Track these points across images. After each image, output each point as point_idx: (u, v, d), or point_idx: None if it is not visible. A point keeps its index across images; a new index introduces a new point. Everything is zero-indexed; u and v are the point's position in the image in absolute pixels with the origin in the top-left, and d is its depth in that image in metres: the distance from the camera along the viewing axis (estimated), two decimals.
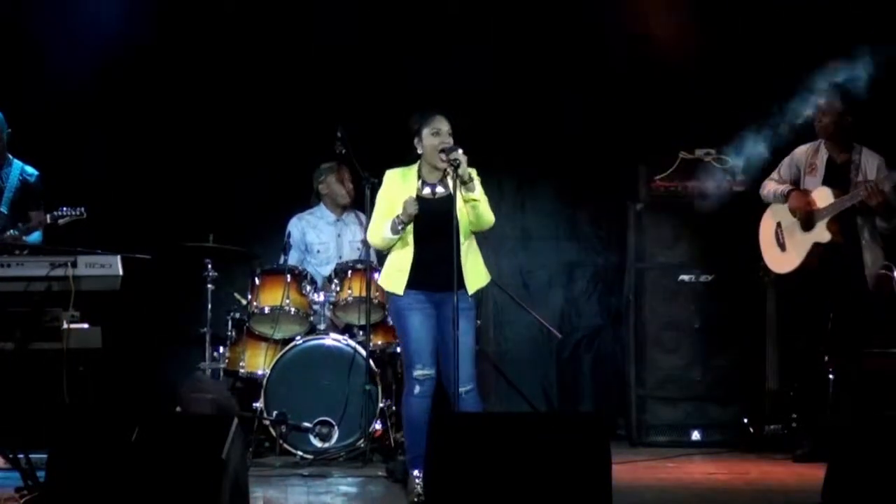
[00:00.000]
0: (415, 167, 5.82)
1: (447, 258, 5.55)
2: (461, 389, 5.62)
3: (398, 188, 5.79)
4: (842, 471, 4.60)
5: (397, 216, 5.67)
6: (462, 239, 5.67)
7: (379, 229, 5.78)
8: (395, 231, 5.69)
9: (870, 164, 6.92)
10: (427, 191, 5.78)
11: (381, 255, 7.36)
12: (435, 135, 5.71)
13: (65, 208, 7.06)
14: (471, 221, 5.70)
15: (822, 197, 6.94)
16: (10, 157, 7.15)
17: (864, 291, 6.93)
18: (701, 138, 7.87)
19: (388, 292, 5.95)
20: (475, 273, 5.80)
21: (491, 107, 8.05)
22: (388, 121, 8.05)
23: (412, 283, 5.75)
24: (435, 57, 8.21)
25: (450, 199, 5.63)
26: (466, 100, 7.74)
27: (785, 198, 7.04)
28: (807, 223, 6.97)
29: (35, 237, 7.09)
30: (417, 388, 5.70)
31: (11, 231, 7.00)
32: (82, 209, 7.08)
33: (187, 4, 8.30)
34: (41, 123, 7.51)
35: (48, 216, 7.04)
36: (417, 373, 5.70)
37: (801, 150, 7.13)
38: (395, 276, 5.81)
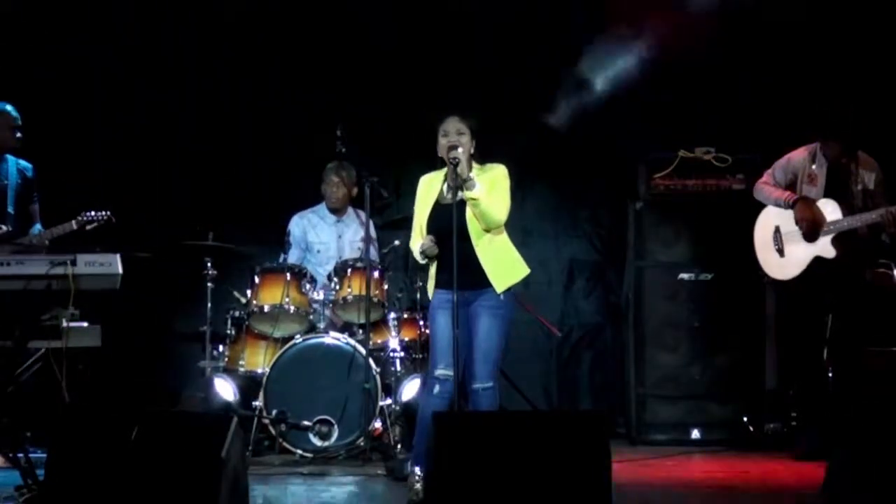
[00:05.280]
0: (443, 171, 5.83)
1: (464, 259, 5.55)
2: (479, 386, 5.67)
3: (424, 194, 5.84)
4: (841, 469, 4.61)
5: (421, 245, 5.71)
6: (475, 239, 5.68)
7: (414, 246, 5.85)
8: (421, 257, 5.77)
9: (867, 171, 6.90)
10: (450, 195, 5.73)
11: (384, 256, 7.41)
12: (444, 136, 5.74)
13: (91, 212, 6.97)
14: (478, 220, 5.69)
15: (829, 210, 6.91)
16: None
17: (863, 289, 6.92)
18: (701, 137, 7.88)
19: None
20: (501, 271, 5.75)
21: (491, 105, 8.04)
22: (389, 120, 8.09)
23: (440, 284, 5.76)
24: (436, 56, 8.21)
25: (470, 202, 5.64)
26: (466, 98, 7.75)
27: (789, 206, 7.01)
28: (811, 235, 6.95)
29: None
30: (437, 388, 5.69)
31: (31, 233, 6.94)
32: (108, 212, 7.00)
33: (188, 4, 8.30)
34: (41, 123, 7.49)
35: (74, 221, 6.95)
36: (438, 372, 5.69)
37: (799, 157, 7.07)
38: (430, 280, 5.88)
